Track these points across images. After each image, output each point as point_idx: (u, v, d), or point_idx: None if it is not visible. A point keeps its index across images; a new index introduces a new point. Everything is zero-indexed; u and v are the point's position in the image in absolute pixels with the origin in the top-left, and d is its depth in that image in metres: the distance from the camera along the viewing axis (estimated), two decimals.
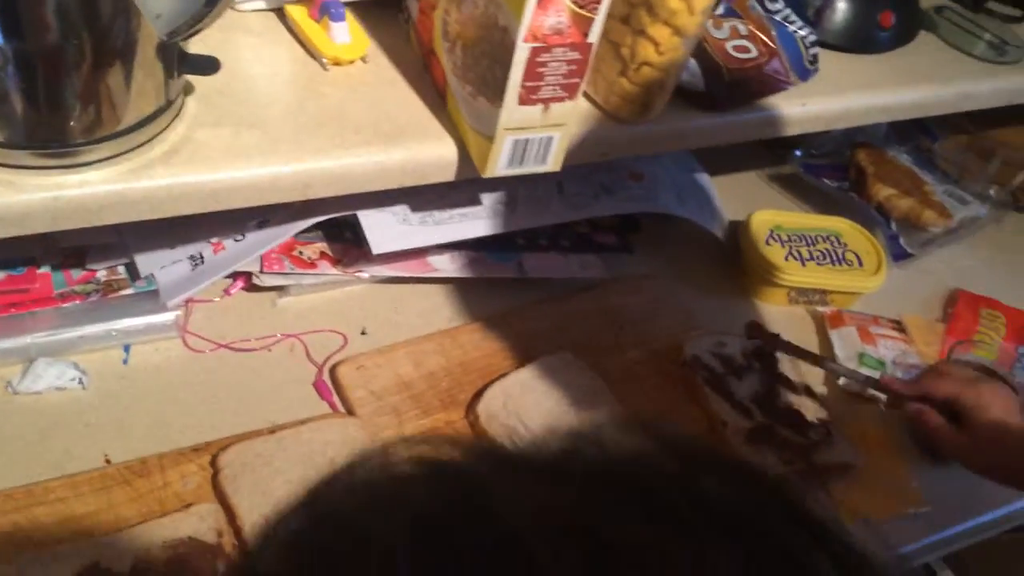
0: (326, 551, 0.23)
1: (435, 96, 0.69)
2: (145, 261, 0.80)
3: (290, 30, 0.72)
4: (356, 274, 0.88)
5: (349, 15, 0.70)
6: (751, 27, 0.78)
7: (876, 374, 0.90)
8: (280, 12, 0.73)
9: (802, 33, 0.79)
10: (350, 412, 0.78)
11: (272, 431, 0.74)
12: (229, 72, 0.64)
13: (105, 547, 0.60)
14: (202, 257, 0.82)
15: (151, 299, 0.80)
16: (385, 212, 0.84)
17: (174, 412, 0.75)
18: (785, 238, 1.02)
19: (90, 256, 0.81)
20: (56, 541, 0.61)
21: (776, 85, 0.79)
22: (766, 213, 1.04)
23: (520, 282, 0.93)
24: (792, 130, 0.82)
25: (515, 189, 0.91)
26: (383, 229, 0.83)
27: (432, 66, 0.69)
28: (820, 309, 1.01)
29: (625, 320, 0.94)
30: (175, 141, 0.60)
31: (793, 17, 0.80)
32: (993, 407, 0.75)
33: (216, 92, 0.64)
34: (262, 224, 0.83)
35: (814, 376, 0.92)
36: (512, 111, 0.60)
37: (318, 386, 0.81)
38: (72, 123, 0.54)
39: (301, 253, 0.88)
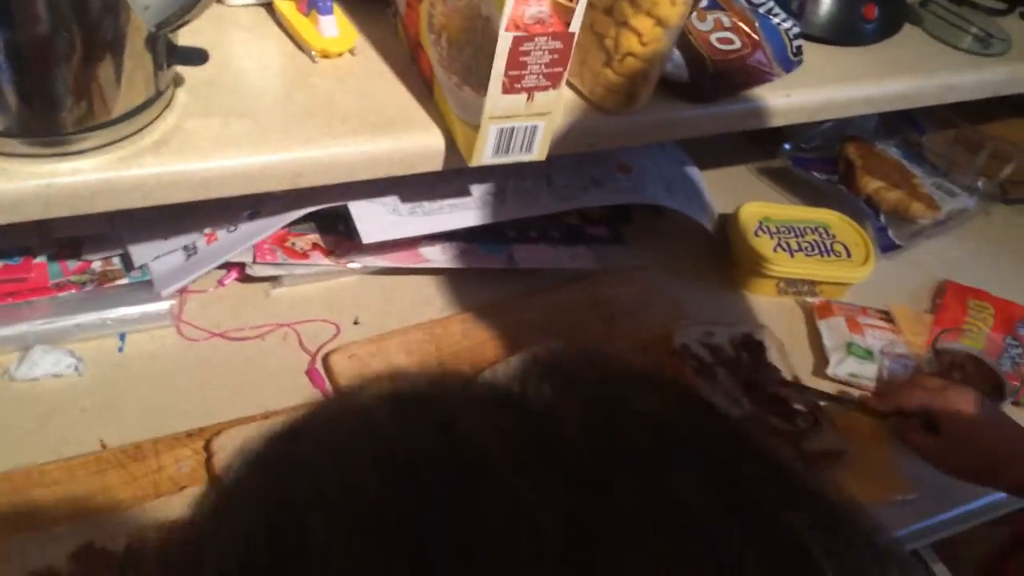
0: (300, 469, 0.24)
1: (422, 87, 0.71)
2: (139, 251, 0.82)
3: (279, 24, 0.73)
4: (348, 264, 0.89)
5: (337, 9, 0.71)
6: (735, 19, 0.79)
7: (868, 369, 0.92)
8: (269, 7, 0.74)
9: (786, 25, 0.80)
10: None
11: (266, 416, 0.75)
12: (219, 64, 0.65)
13: (100, 528, 0.61)
14: (195, 247, 0.83)
15: (145, 289, 0.81)
16: (375, 203, 0.85)
17: (169, 398, 0.77)
18: (774, 230, 1.03)
19: (85, 247, 0.82)
20: (53, 522, 0.63)
21: (760, 77, 0.80)
22: (755, 205, 1.05)
23: (511, 273, 0.94)
24: (777, 121, 0.83)
25: (504, 181, 0.92)
26: (373, 219, 0.84)
27: (419, 58, 0.71)
28: (809, 300, 1.02)
29: (615, 310, 0.95)
30: (165, 131, 0.61)
31: (777, 9, 0.81)
32: (962, 412, 0.78)
33: (206, 83, 0.65)
34: (254, 215, 0.85)
35: (804, 366, 0.94)
36: (496, 100, 0.61)
37: (311, 374, 0.82)
38: (63, 112, 0.55)
39: (294, 244, 0.89)
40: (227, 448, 0.71)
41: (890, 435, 0.87)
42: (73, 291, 0.79)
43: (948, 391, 0.80)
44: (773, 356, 0.92)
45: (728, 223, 1.05)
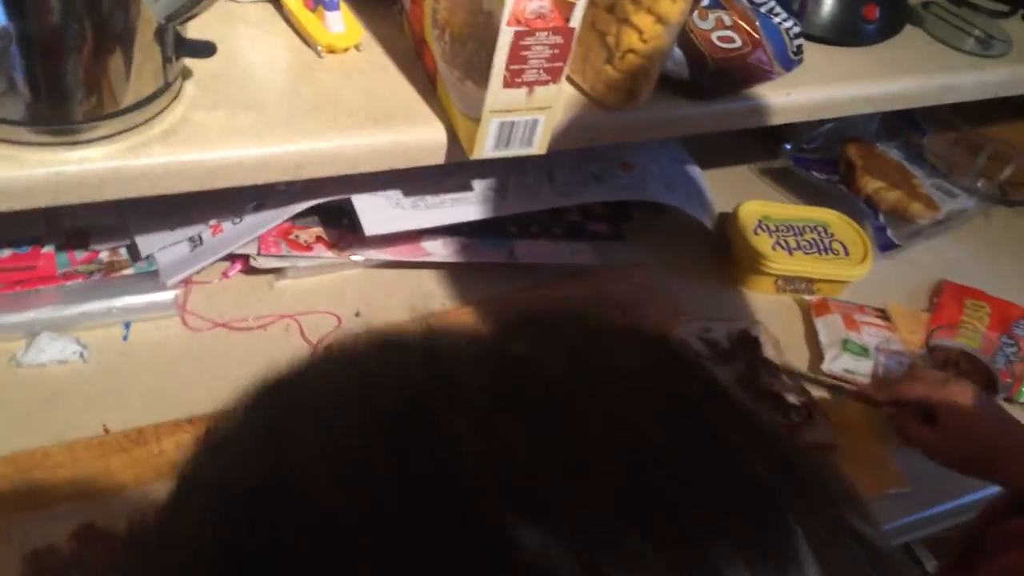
0: (286, 407, 0.25)
1: (426, 83, 0.72)
2: (146, 242, 0.83)
3: (286, 20, 0.74)
4: (351, 257, 0.90)
5: (344, 5, 0.73)
6: (735, 18, 0.80)
7: (863, 365, 0.93)
8: (276, 3, 0.75)
9: (786, 24, 0.81)
10: None
11: None
12: (227, 58, 0.66)
13: (102, 508, 0.62)
14: (201, 239, 0.84)
15: (151, 279, 0.82)
16: (378, 196, 0.87)
17: (171, 386, 0.78)
18: (773, 228, 1.04)
19: (93, 237, 0.83)
20: (55, 502, 0.64)
21: (760, 75, 0.81)
22: (754, 204, 1.06)
23: (511, 267, 0.95)
24: (777, 119, 0.84)
25: (506, 177, 0.93)
26: (376, 212, 0.85)
27: (424, 54, 0.72)
28: (806, 297, 1.03)
29: (614, 306, 0.96)
30: (173, 121, 0.62)
31: (778, 9, 0.82)
32: (962, 404, 0.78)
33: (214, 77, 0.66)
34: (259, 207, 0.86)
35: (799, 361, 0.95)
36: (497, 93, 0.62)
37: None
38: (74, 102, 0.57)
39: (298, 237, 0.90)
40: None
41: (885, 428, 0.88)
42: (80, 280, 0.80)
43: (950, 384, 0.81)
44: (769, 352, 0.93)
45: (728, 221, 1.06)
